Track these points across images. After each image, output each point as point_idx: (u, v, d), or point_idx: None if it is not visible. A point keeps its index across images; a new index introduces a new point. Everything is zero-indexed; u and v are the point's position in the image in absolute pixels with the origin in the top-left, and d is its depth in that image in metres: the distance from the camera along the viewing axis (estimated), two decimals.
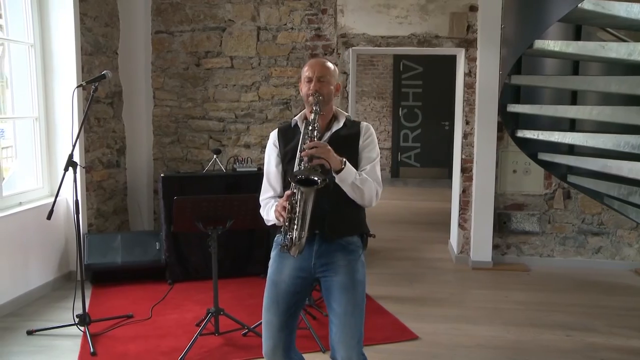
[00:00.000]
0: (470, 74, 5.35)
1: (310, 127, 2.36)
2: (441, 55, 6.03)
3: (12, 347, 3.63)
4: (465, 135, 5.45)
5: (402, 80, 11.38)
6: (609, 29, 4.04)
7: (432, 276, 5.23)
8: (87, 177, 5.00)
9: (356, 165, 2.43)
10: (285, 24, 5.53)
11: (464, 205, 5.54)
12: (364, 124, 2.56)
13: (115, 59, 5.53)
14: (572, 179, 4.25)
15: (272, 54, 5.58)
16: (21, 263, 4.36)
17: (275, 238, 2.55)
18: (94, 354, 3.50)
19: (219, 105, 5.72)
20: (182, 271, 4.90)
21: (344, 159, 2.34)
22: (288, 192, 2.32)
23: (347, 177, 2.33)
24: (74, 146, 3.67)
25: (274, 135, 2.58)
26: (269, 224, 2.53)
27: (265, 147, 2.66)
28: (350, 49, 5.49)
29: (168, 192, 4.75)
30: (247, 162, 5.09)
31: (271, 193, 2.55)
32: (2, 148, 5.09)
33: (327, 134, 2.46)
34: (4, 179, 4.42)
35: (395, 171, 11.62)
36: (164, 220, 4.82)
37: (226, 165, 5.34)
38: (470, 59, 5.33)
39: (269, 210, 2.50)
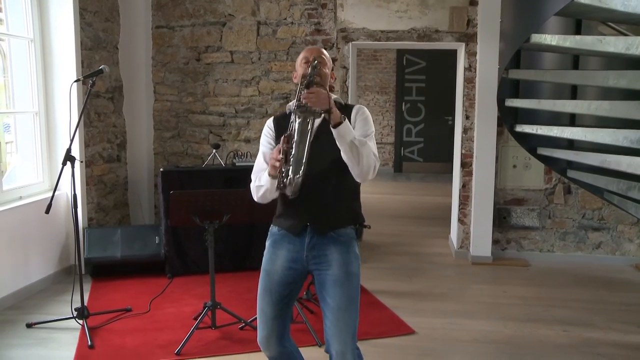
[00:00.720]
0: (470, 68, 5.34)
1: (308, 78, 2.30)
2: (444, 49, 6.00)
3: (11, 340, 3.66)
4: (465, 130, 5.44)
5: (405, 75, 11.36)
6: (610, 23, 4.02)
7: (431, 271, 5.23)
8: (87, 171, 5.02)
9: None
10: (285, 19, 5.53)
11: (464, 200, 5.53)
12: (357, 106, 2.54)
13: (116, 53, 5.54)
14: (571, 173, 4.24)
15: (272, 48, 5.58)
16: (22, 257, 4.39)
17: (270, 228, 2.55)
18: (91, 346, 3.53)
19: (219, 100, 5.72)
20: (182, 265, 4.92)
21: (344, 115, 2.32)
22: (285, 135, 2.28)
23: (346, 134, 2.28)
24: (71, 140, 3.68)
25: (270, 121, 2.57)
26: (260, 192, 2.43)
27: None
28: (350, 44, 5.48)
29: (167, 187, 4.75)
30: (246, 157, 5.10)
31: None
32: (6, 143, 5.13)
33: (318, 121, 2.34)
34: (3, 172, 4.44)
35: (398, 166, 11.61)
36: (164, 215, 4.83)
37: (226, 159, 5.35)
38: (470, 54, 5.31)
39: (261, 178, 2.43)
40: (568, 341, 3.73)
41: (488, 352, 3.59)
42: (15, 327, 3.84)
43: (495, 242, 5.50)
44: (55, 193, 4.39)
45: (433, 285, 4.84)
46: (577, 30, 3.93)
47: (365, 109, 2.54)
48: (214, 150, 5.11)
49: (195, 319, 3.82)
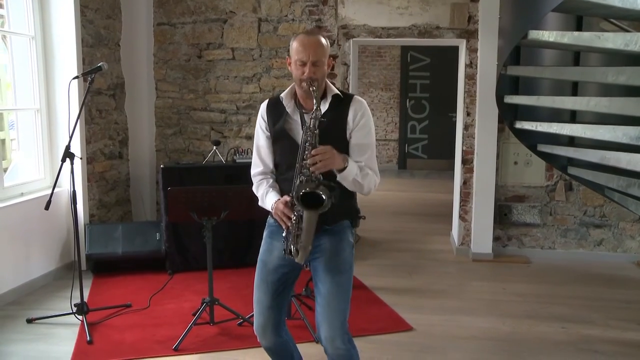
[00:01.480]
0: (471, 65, 5.32)
1: (309, 132, 2.29)
2: (449, 46, 5.95)
3: (11, 335, 3.69)
4: (466, 127, 5.43)
5: (410, 71, 11.34)
6: (611, 20, 4.00)
7: (432, 268, 5.23)
8: (88, 168, 5.04)
9: (347, 148, 2.41)
10: (286, 15, 5.53)
11: (465, 197, 5.52)
12: (356, 99, 2.45)
13: (118, 50, 5.56)
14: (572, 170, 4.23)
15: (273, 45, 5.58)
16: (23, 253, 4.42)
17: (268, 219, 2.58)
18: (90, 342, 3.55)
19: (221, 96, 5.74)
20: (182, 261, 4.94)
21: (347, 157, 2.33)
22: (288, 200, 2.32)
23: (349, 175, 2.34)
24: (70, 137, 3.70)
25: (263, 108, 2.55)
26: (261, 204, 2.54)
27: None
28: (351, 40, 5.48)
29: (168, 183, 4.77)
30: (246, 153, 5.11)
31: (262, 168, 2.55)
32: (11, 140, 5.18)
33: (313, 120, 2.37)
34: (5, 170, 4.48)
35: (402, 163, 11.60)
36: (164, 211, 4.85)
37: (226, 156, 5.37)
38: (471, 50, 5.30)
39: (264, 198, 2.50)
40: (566, 338, 3.72)
41: (486, 348, 3.59)
42: (16, 322, 3.88)
43: (496, 239, 5.49)
44: (57, 190, 4.44)
45: (433, 282, 4.84)
46: (578, 27, 3.92)
47: (365, 105, 2.47)
48: (215, 147, 5.12)
49: (194, 314, 3.84)
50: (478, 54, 5.23)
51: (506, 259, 5.41)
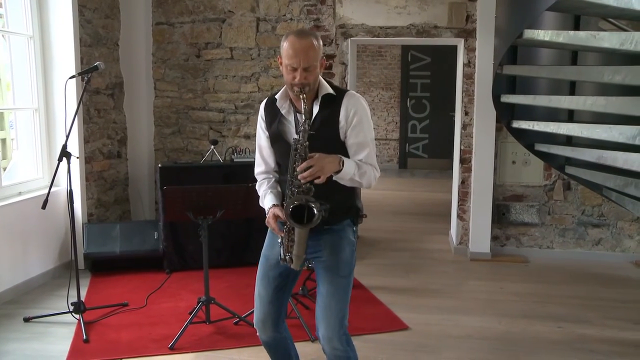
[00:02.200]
0: (469, 64, 5.32)
1: (299, 144, 2.26)
2: (449, 45, 5.94)
3: (8, 334, 3.71)
4: (464, 126, 5.43)
5: (410, 71, 11.33)
6: (610, 19, 4.00)
7: (430, 267, 5.23)
8: (87, 167, 5.06)
9: (342, 147, 2.39)
10: (285, 15, 5.54)
11: (463, 196, 5.52)
12: (346, 99, 2.37)
13: (116, 50, 5.58)
14: (569, 170, 4.23)
15: (271, 44, 5.59)
16: (21, 252, 4.43)
17: None
18: (86, 340, 3.56)
19: (219, 96, 5.75)
20: (180, 260, 4.95)
21: (341, 159, 2.29)
22: (277, 214, 2.33)
23: (345, 176, 2.32)
24: (67, 137, 3.70)
25: (262, 107, 2.53)
26: (261, 204, 2.55)
27: None
28: (349, 40, 5.48)
29: (166, 182, 4.75)
30: (244, 153, 5.12)
31: (263, 167, 2.55)
32: (11, 139, 5.20)
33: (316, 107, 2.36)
34: (5, 169, 4.49)
35: (402, 162, 11.60)
36: (162, 210, 4.86)
37: (224, 155, 5.38)
38: (470, 49, 5.29)
39: (263, 199, 2.52)
40: (562, 337, 3.72)
41: (481, 348, 3.59)
42: (13, 321, 3.89)
43: (494, 238, 5.49)
44: (54, 189, 4.50)
45: (430, 281, 4.84)
46: (576, 26, 3.91)
47: (358, 100, 2.39)
48: (212, 147, 5.13)
49: (191, 313, 3.85)
50: (476, 53, 5.23)
51: (504, 258, 5.41)
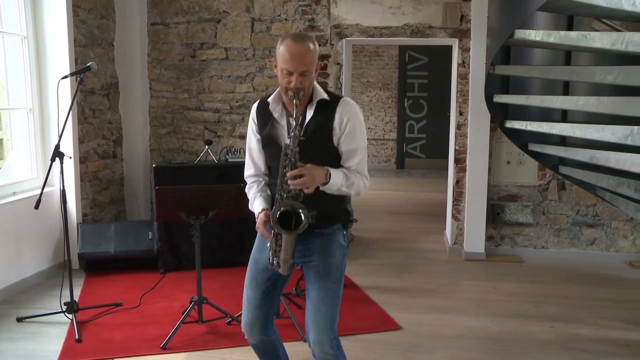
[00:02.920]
0: (463, 64, 5.33)
1: (289, 149, 2.25)
2: (447, 45, 5.93)
3: (1, 334, 3.71)
4: (459, 126, 5.44)
5: (408, 71, 11.33)
6: (603, 20, 4.00)
7: (424, 267, 5.23)
8: (81, 167, 5.06)
9: (334, 153, 2.39)
10: (279, 15, 5.54)
11: (458, 196, 5.53)
12: (340, 106, 2.37)
13: (111, 50, 5.58)
14: (563, 170, 4.24)
15: (266, 45, 5.59)
16: (15, 252, 4.44)
17: None
18: (79, 340, 3.57)
19: (214, 96, 5.75)
20: (174, 260, 4.96)
21: (328, 171, 2.29)
22: (274, 233, 2.32)
23: (332, 187, 2.32)
24: (60, 137, 3.71)
25: (253, 110, 2.52)
26: (250, 208, 2.54)
27: None
28: (344, 40, 5.48)
29: (160, 182, 4.78)
30: (239, 153, 5.13)
31: (253, 170, 2.55)
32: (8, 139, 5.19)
33: (301, 125, 2.33)
34: None
35: (400, 162, 11.60)
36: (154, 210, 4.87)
37: (219, 155, 5.38)
38: (464, 50, 5.30)
39: (252, 203, 2.51)
40: (554, 337, 3.72)
41: (473, 347, 3.59)
42: (6, 321, 3.90)
43: (489, 238, 5.50)
44: (49, 189, 4.51)
45: (424, 281, 4.85)
46: (569, 26, 3.92)
47: (352, 108, 2.39)
48: (207, 147, 5.14)
49: (184, 313, 3.85)
50: (470, 53, 5.23)
51: (499, 258, 5.41)
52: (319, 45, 5.39)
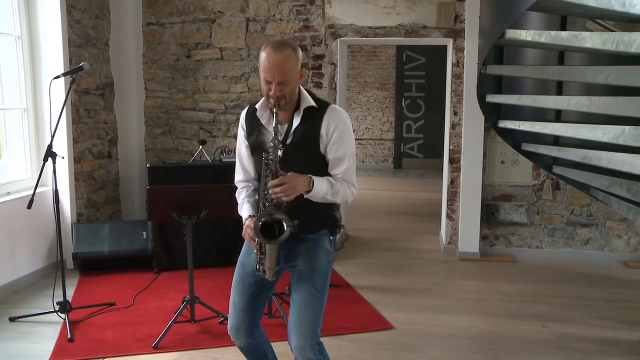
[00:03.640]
0: (458, 64, 5.33)
1: (269, 159, 2.26)
2: (444, 45, 5.92)
3: None
4: (453, 126, 5.44)
5: (405, 71, 11.35)
6: (597, 20, 4.01)
7: (418, 267, 5.24)
8: (76, 167, 5.07)
9: (321, 160, 2.38)
10: (274, 15, 5.55)
11: (452, 196, 5.53)
12: (328, 113, 2.35)
13: (107, 50, 5.59)
14: (557, 169, 4.24)
15: (260, 45, 5.59)
16: (9, 252, 4.45)
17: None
18: (71, 340, 3.58)
19: (209, 96, 5.76)
20: (168, 260, 4.96)
21: (311, 179, 2.28)
22: (258, 242, 2.32)
23: (316, 195, 2.31)
24: (52, 137, 3.72)
25: (243, 116, 2.52)
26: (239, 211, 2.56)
27: None
28: (338, 40, 5.49)
29: (154, 182, 4.81)
30: (233, 153, 5.13)
31: (243, 176, 2.55)
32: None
33: (288, 131, 2.36)
34: None
35: (397, 162, 11.62)
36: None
37: (213, 155, 5.39)
38: (458, 49, 5.31)
39: (240, 209, 2.52)
40: (545, 336, 3.73)
41: (464, 347, 3.60)
42: None
43: (483, 238, 5.50)
44: (43, 189, 4.54)
45: (418, 281, 4.85)
46: (563, 26, 3.92)
47: (340, 115, 2.37)
48: (201, 147, 5.15)
49: (176, 313, 3.86)
50: (465, 53, 5.24)
51: (493, 258, 5.42)
52: (314, 45, 5.43)
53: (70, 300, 4.01)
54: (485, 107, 4.19)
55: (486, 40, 3.78)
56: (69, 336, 3.60)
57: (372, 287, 4.63)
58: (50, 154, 3.70)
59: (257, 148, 2.44)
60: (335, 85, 5.55)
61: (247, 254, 2.52)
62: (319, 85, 5.48)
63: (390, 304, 4.25)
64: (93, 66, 5.31)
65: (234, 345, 3.41)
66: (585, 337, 3.71)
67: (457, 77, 5.35)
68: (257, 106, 2.43)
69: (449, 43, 5.42)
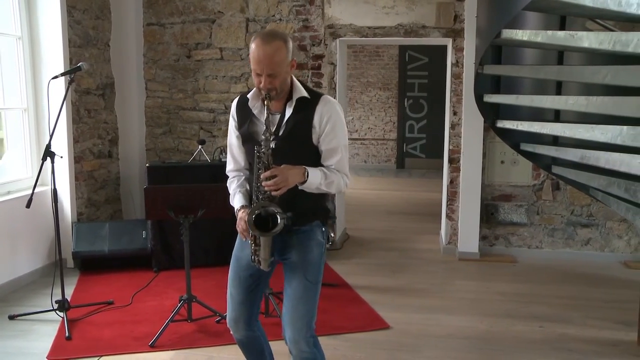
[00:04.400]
0: (457, 64, 5.33)
1: (262, 152, 2.28)
2: (446, 45, 5.90)
3: None
4: (453, 126, 5.44)
5: (408, 71, 11.33)
6: (597, 20, 4.00)
7: (417, 267, 5.24)
8: (76, 167, 5.10)
9: (314, 151, 2.39)
10: (274, 15, 5.56)
11: (452, 196, 5.53)
12: (321, 104, 2.36)
13: (107, 50, 5.61)
14: (556, 169, 4.23)
15: None
16: (9, 250, 4.48)
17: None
18: (69, 338, 3.60)
19: (209, 96, 5.78)
20: (168, 259, 4.98)
21: (306, 170, 2.29)
22: (252, 235, 2.34)
23: (310, 186, 2.33)
24: (51, 137, 3.74)
25: (233, 106, 2.52)
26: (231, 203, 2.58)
27: None
28: (338, 40, 5.49)
29: (153, 182, 4.84)
30: None
31: (234, 165, 2.58)
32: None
33: (280, 122, 2.37)
34: None
35: (400, 162, 11.61)
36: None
37: (213, 155, 5.41)
38: (458, 49, 5.30)
39: (232, 198, 2.55)
40: (542, 337, 3.72)
41: (460, 347, 3.60)
42: None
43: (483, 238, 5.50)
44: (44, 188, 4.57)
45: (416, 281, 4.85)
46: (562, 26, 3.92)
47: (333, 106, 2.38)
48: (200, 146, 5.17)
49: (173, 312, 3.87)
50: (464, 53, 5.23)
51: (492, 258, 5.41)
52: (313, 45, 5.43)
53: (69, 299, 4.05)
54: (483, 107, 4.19)
55: (483, 40, 3.78)
56: (67, 334, 3.62)
57: (370, 287, 4.63)
58: (48, 153, 3.72)
59: (248, 138, 2.44)
60: (335, 85, 5.56)
61: (240, 248, 2.54)
62: (318, 85, 5.48)
63: (388, 304, 4.25)
64: (94, 66, 5.34)
65: (230, 344, 3.48)
66: (583, 338, 3.70)
67: (457, 77, 5.35)
68: (248, 96, 2.42)
69: (449, 43, 5.42)
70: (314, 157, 2.41)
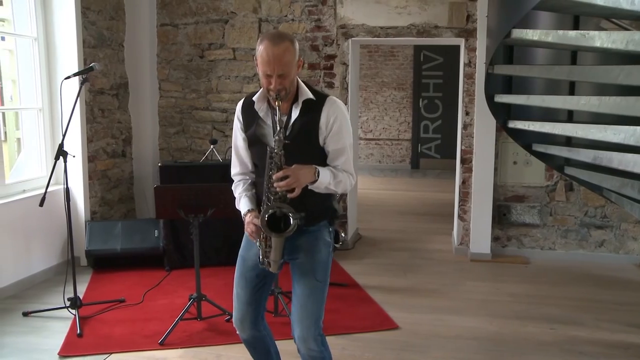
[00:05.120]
0: (470, 64, 5.30)
1: (274, 152, 2.29)
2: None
3: (6, 327, 3.81)
4: (465, 126, 5.42)
5: (423, 71, 11.29)
6: (613, 20, 3.95)
7: (428, 267, 5.22)
8: (90, 166, 5.16)
9: (320, 152, 2.41)
10: (286, 15, 5.57)
11: (464, 197, 5.50)
12: (327, 105, 2.38)
13: (121, 51, 5.67)
14: (569, 170, 4.19)
15: None
16: (24, 248, 4.55)
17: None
18: (80, 335, 3.65)
19: (222, 96, 5.81)
20: (180, 258, 5.02)
21: (317, 169, 2.31)
22: (263, 236, 2.36)
23: (321, 185, 2.34)
24: (63, 136, 3.80)
25: (239, 109, 2.53)
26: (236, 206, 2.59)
27: None
28: (350, 40, 5.50)
29: (165, 181, 4.89)
30: None
31: (239, 168, 2.58)
32: (17, 138, 5.33)
33: (287, 124, 2.38)
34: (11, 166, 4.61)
35: (415, 163, 11.56)
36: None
37: (225, 154, 5.44)
38: (470, 49, 5.28)
39: (239, 202, 2.56)
40: (553, 339, 3.69)
41: (469, 348, 3.58)
42: (12, 315, 4.00)
43: (495, 239, 5.46)
44: (58, 187, 4.61)
45: (427, 281, 4.83)
46: (576, 26, 3.88)
47: (339, 107, 2.40)
48: (212, 146, 5.20)
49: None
50: (477, 52, 5.21)
51: (505, 259, 5.37)
52: (325, 45, 5.44)
53: (82, 297, 4.10)
54: (495, 107, 4.17)
55: (493, 40, 3.75)
56: (78, 331, 3.67)
57: (380, 287, 4.63)
58: (61, 152, 3.78)
59: (255, 141, 2.45)
60: (347, 86, 5.56)
61: (246, 248, 2.56)
62: (330, 85, 5.50)
63: (398, 304, 4.24)
64: (107, 67, 5.40)
65: (238, 342, 3.48)
66: (593, 340, 3.66)
67: (469, 77, 5.32)
68: (254, 98, 2.42)
69: (461, 43, 5.40)
70: (320, 158, 2.43)
